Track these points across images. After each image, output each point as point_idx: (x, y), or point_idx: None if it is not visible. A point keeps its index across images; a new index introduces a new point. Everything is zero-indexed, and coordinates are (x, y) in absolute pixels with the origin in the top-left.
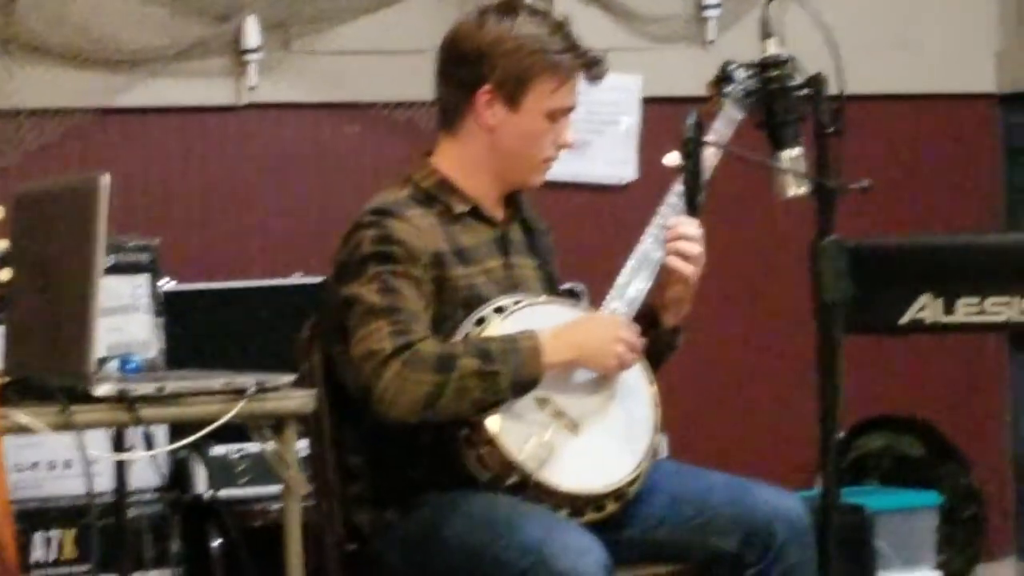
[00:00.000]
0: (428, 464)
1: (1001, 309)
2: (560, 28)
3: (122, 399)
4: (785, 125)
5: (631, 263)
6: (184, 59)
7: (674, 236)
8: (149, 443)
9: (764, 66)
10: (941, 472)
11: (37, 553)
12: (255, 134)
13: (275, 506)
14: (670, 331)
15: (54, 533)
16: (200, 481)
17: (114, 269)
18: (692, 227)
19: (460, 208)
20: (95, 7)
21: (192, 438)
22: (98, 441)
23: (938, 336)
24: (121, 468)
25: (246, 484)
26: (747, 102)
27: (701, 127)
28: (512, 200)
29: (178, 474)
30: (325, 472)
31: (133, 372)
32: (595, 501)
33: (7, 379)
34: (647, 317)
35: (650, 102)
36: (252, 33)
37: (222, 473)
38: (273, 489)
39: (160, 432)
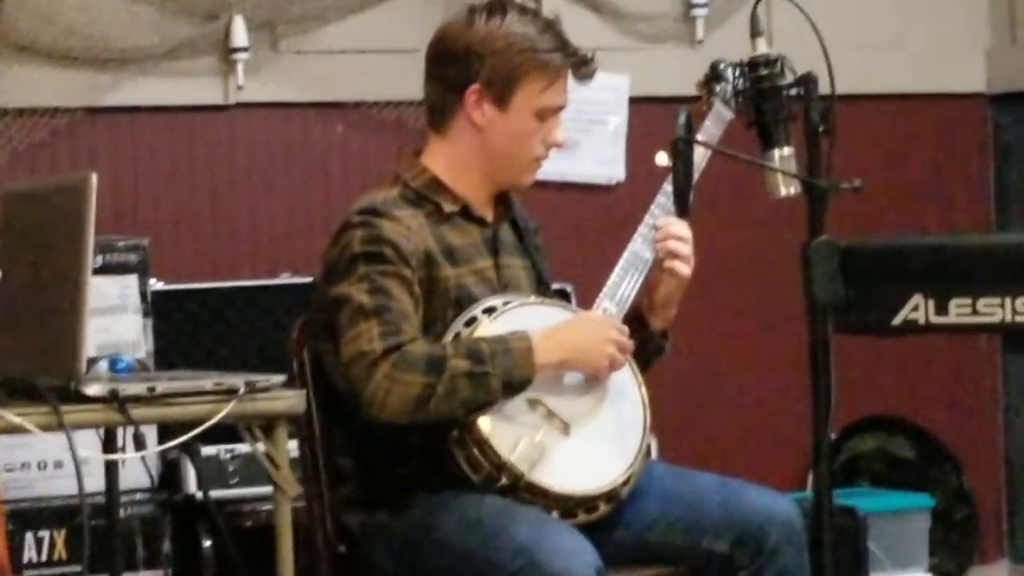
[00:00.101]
0: (418, 465)
1: (994, 310)
2: (549, 27)
3: (113, 399)
4: (775, 124)
5: (621, 263)
6: (172, 59)
7: (664, 236)
8: (139, 443)
9: (754, 65)
10: (933, 474)
11: (28, 553)
12: (243, 134)
13: (266, 507)
14: (658, 334)
15: (45, 533)
16: (191, 482)
17: (103, 269)
18: (682, 227)
19: (450, 208)
20: (83, 6)
21: (184, 438)
22: (88, 441)
23: (930, 337)
24: (112, 469)
25: (236, 485)
26: (737, 102)
27: (691, 126)
28: (502, 200)
29: (168, 475)
30: (316, 473)
31: (123, 372)
32: (586, 502)
33: None
34: (634, 320)
35: (638, 102)
36: (240, 33)
37: (212, 474)
38: (263, 490)
39: (150, 433)
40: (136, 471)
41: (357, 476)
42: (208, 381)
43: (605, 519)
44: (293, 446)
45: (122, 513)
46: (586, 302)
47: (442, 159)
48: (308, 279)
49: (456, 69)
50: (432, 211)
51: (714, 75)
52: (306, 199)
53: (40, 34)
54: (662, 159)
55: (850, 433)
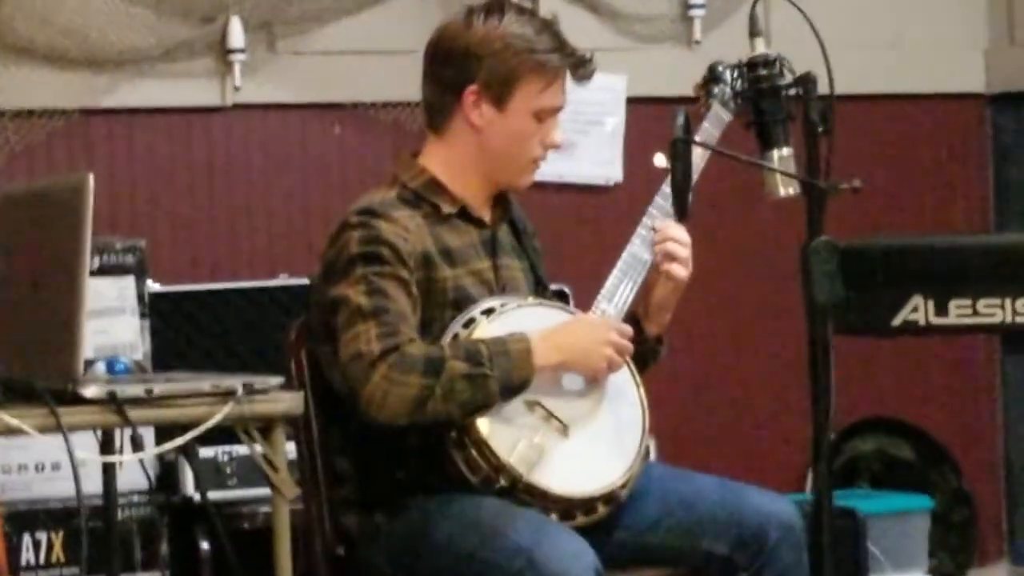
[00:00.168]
0: (416, 467)
1: (994, 310)
2: (547, 27)
3: (111, 401)
4: (774, 125)
5: (619, 265)
6: (169, 60)
7: (662, 238)
8: (137, 445)
9: (753, 65)
10: (932, 475)
11: (25, 555)
12: (240, 135)
13: (263, 509)
14: (653, 340)
15: (42, 535)
16: (188, 483)
17: (100, 271)
18: (680, 231)
19: (448, 209)
20: (80, 8)
21: (183, 440)
22: (85, 443)
23: (930, 338)
24: (109, 470)
25: (234, 487)
26: (736, 103)
27: (690, 127)
28: (501, 201)
29: (166, 476)
30: (313, 475)
31: (120, 374)
32: (585, 504)
33: None
34: (629, 326)
35: (636, 102)
36: (237, 34)
37: (210, 475)
38: (261, 492)
39: (147, 434)
40: (134, 473)
41: (355, 478)
42: (206, 383)
43: (604, 521)
44: (291, 448)
45: (120, 515)
46: (584, 303)
47: (440, 160)
48: (305, 280)
49: (454, 70)
50: (430, 212)
51: (712, 77)
52: (303, 200)
53: (37, 36)
54: (660, 160)
55: (849, 434)
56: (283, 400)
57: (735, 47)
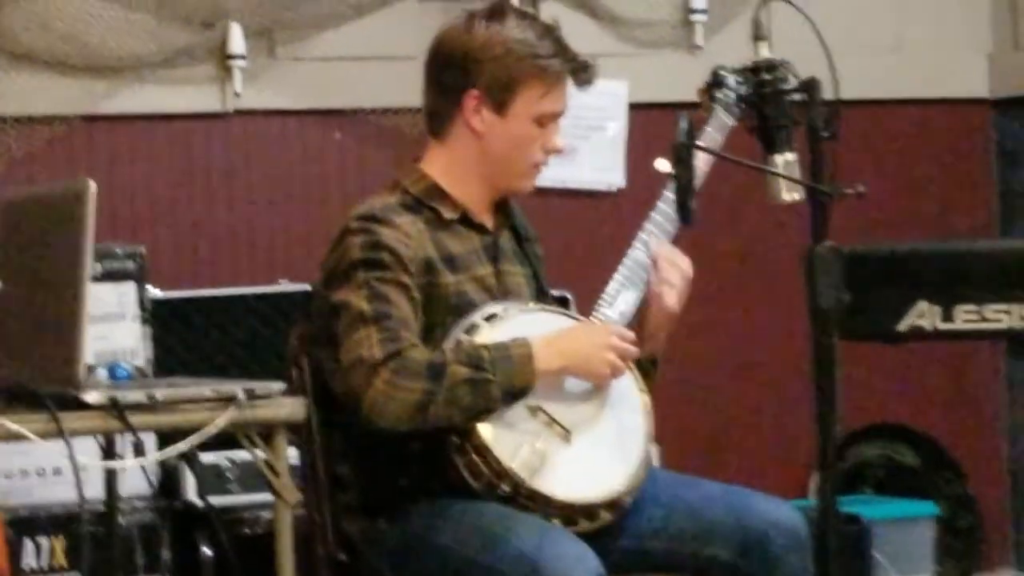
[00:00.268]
0: (419, 472)
1: (1001, 316)
2: (548, 32)
3: (112, 407)
4: (778, 129)
5: (621, 270)
6: (169, 66)
7: (668, 262)
8: (138, 451)
9: (756, 70)
10: (937, 482)
11: (27, 561)
12: (241, 141)
13: (265, 514)
14: (648, 362)
15: (44, 541)
16: (190, 489)
17: (101, 277)
18: (684, 262)
19: (450, 214)
20: (80, 15)
21: (184, 445)
22: (87, 449)
23: (934, 344)
24: (111, 476)
25: (236, 492)
26: (740, 108)
27: (693, 131)
28: (502, 207)
29: (168, 482)
30: (315, 481)
31: (122, 380)
32: (588, 510)
33: None
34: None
35: (637, 108)
36: (237, 40)
37: (212, 481)
38: (263, 497)
39: (149, 440)
40: (135, 478)
41: (357, 483)
42: (207, 388)
43: (608, 527)
44: (293, 453)
45: (121, 520)
46: (586, 309)
47: (441, 165)
48: (307, 286)
49: (455, 75)
50: (431, 218)
51: (716, 81)
52: (304, 206)
53: (37, 42)
54: (662, 165)
55: (854, 440)
56: (285, 406)
57: (736, 52)
